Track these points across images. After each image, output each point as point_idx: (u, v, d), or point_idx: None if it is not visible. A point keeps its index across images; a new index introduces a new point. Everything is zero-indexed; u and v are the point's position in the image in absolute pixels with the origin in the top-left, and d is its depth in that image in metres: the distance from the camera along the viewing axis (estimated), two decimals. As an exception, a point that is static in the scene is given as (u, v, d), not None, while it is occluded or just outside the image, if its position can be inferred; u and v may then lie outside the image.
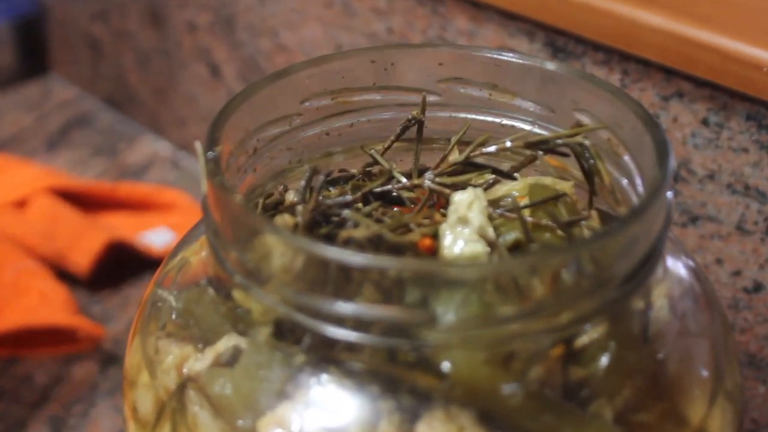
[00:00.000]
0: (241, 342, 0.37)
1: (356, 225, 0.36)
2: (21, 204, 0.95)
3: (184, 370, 0.38)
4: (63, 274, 0.89)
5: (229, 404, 0.37)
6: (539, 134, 0.43)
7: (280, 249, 0.33)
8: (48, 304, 0.85)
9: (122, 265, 0.91)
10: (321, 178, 0.39)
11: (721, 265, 0.68)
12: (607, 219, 0.42)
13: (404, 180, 0.43)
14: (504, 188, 0.43)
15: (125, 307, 0.87)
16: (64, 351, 0.83)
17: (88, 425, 0.75)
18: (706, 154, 0.65)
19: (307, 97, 0.44)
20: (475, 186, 0.41)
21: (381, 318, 0.33)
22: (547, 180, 0.43)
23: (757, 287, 0.66)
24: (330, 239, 0.37)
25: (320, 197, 0.39)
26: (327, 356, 0.35)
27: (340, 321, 0.34)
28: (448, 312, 0.33)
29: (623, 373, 0.37)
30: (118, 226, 0.96)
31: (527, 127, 0.45)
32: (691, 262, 0.43)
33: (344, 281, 0.33)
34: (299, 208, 0.38)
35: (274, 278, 0.34)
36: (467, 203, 0.39)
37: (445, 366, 0.34)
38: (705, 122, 0.64)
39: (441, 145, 0.46)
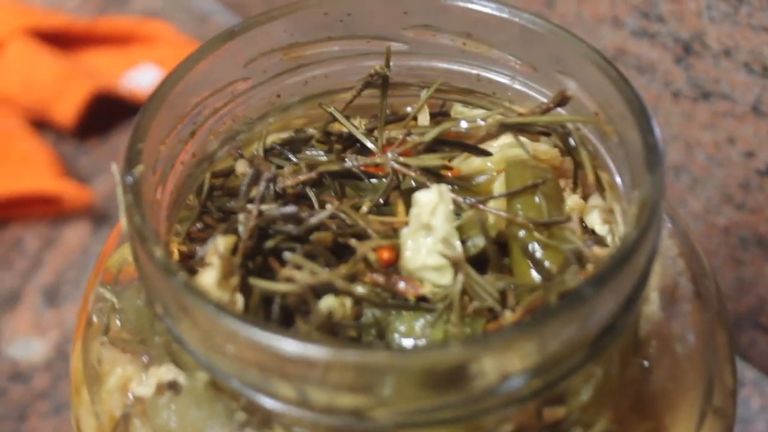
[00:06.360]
0: (180, 377, 0.34)
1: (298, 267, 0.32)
2: (-3, 48, 0.89)
3: (129, 395, 0.35)
4: (46, 126, 0.85)
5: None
6: (513, 116, 0.37)
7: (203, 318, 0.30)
8: (31, 168, 0.82)
9: (108, 112, 0.86)
10: (264, 181, 0.34)
11: (734, 145, 0.63)
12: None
13: (369, 144, 0.39)
14: (478, 161, 0.38)
15: (114, 157, 0.83)
16: (53, 213, 0.81)
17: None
18: (723, 28, 0.59)
19: (252, 58, 0.38)
20: (440, 176, 0.36)
21: (324, 402, 0.29)
22: (527, 146, 0.38)
23: (771, 170, 0.62)
24: (271, 275, 0.33)
25: (264, 202, 0.35)
26: (269, 418, 0.32)
27: (278, 396, 0.30)
28: (401, 395, 0.29)
29: (605, 399, 0.34)
30: (100, 66, 0.91)
31: (506, 81, 0.39)
32: (686, 245, 0.38)
33: (282, 361, 0.29)
34: (241, 217, 0.34)
35: (203, 344, 0.30)
36: (431, 207, 0.34)
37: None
38: (723, -6, 0.57)
39: (414, 92, 0.41)
